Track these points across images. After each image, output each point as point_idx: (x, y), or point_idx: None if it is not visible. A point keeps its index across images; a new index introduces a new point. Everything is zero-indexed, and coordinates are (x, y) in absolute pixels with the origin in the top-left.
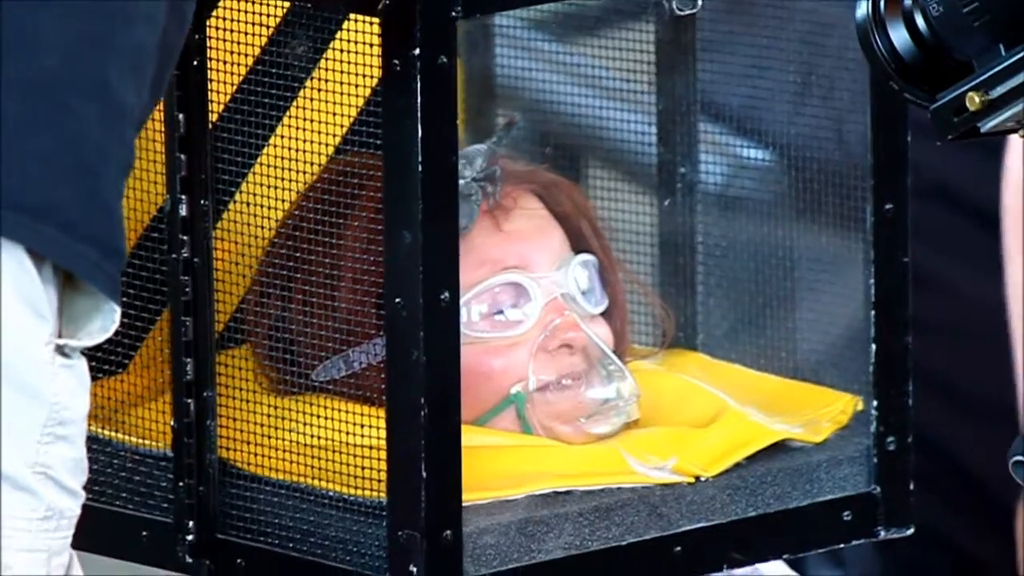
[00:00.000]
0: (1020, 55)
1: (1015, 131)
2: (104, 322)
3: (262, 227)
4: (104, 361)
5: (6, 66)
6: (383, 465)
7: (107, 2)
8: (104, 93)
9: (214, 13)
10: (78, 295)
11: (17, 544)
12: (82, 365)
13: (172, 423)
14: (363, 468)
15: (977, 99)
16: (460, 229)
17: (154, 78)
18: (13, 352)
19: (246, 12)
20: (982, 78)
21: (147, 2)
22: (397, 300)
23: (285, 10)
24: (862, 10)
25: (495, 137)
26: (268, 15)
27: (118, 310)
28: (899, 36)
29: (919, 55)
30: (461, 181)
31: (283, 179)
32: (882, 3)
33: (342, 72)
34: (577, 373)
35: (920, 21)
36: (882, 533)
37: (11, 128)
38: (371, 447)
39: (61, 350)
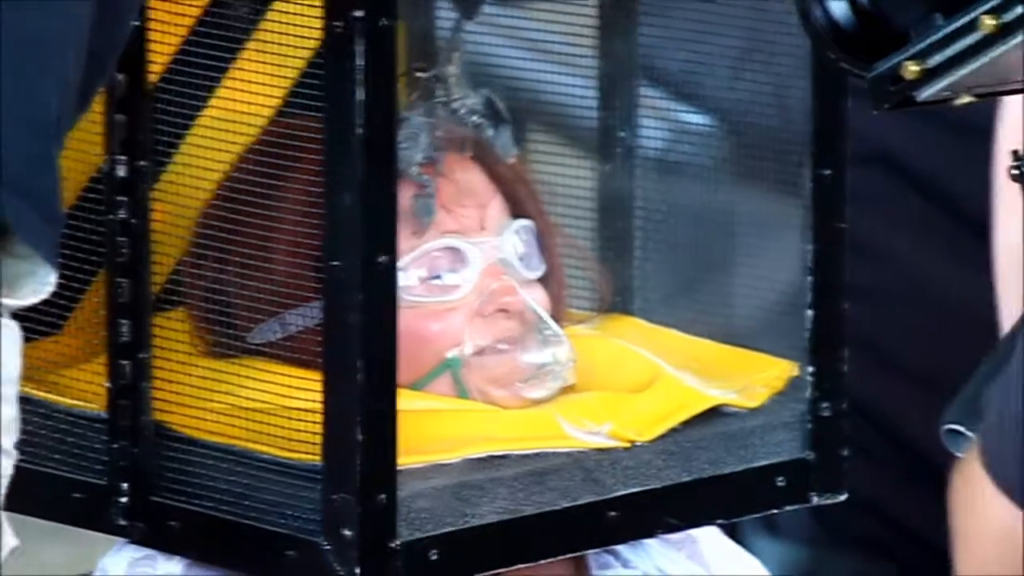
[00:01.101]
0: (957, 24)
1: (951, 100)
2: (38, 284)
3: (200, 189)
4: (39, 322)
5: None
6: (319, 428)
7: None
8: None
9: None
10: (9, 256)
11: None
12: (14, 325)
13: (107, 384)
14: (298, 431)
15: (913, 68)
16: (423, 224)
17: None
18: None
19: None
20: (919, 47)
21: None
22: (335, 263)
23: None
24: None
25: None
26: None
27: (54, 273)
28: (837, 5)
29: (856, 24)
30: (411, 167)
31: (222, 141)
32: None
33: (283, 34)
34: (513, 338)
35: None
36: (815, 499)
37: None
38: (307, 410)
39: None
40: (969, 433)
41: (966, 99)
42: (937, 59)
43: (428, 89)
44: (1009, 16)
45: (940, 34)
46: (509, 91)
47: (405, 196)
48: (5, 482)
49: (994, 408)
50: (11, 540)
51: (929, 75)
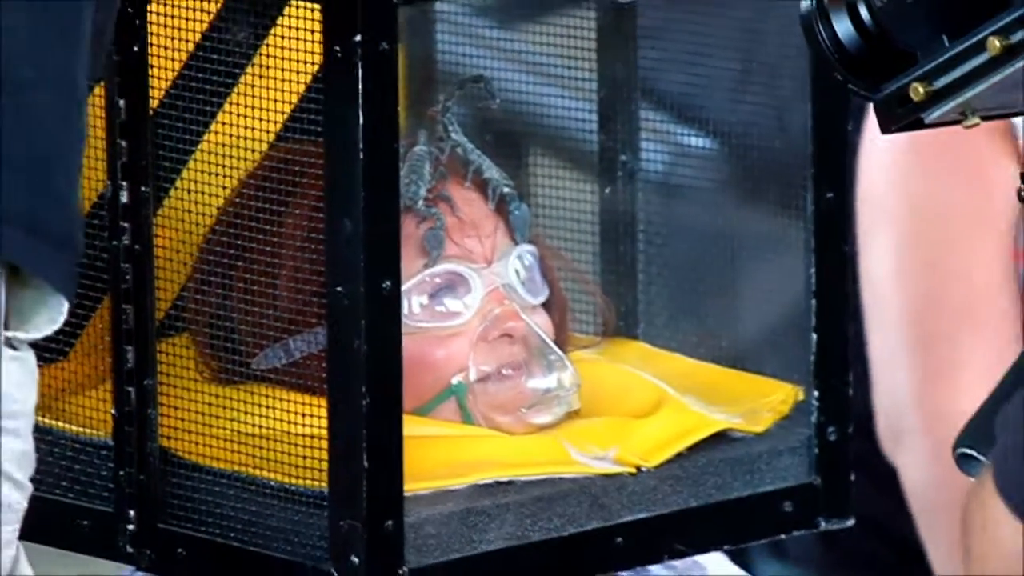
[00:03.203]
0: (964, 46)
1: (958, 122)
2: (52, 314)
3: (203, 214)
4: (44, 348)
5: None
6: (324, 454)
7: None
8: (59, 82)
9: None
10: (25, 287)
11: None
12: (30, 357)
13: (113, 411)
14: (304, 457)
15: (921, 90)
16: (432, 258)
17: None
18: None
19: None
20: (926, 69)
21: None
22: (338, 288)
23: None
24: (806, 0)
25: (450, 96)
26: (209, 0)
27: (66, 302)
28: (843, 26)
29: (863, 45)
30: (417, 199)
31: (224, 166)
32: None
33: (283, 59)
34: (518, 363)
35: (864, 11)
36: (823, 524)
37: None
38: (312, 436)
39: (9, 342)
40: (982, 457)
41: (974, 121)
42: (944, 81)
43: (433, 126)
44: (1016, 38)
45: (947, 55)
46: (511, 114)
47: (412, 227)
48: (21, 515)
49: (1006, 432)
50: (27, 570)
51: (936, 97)
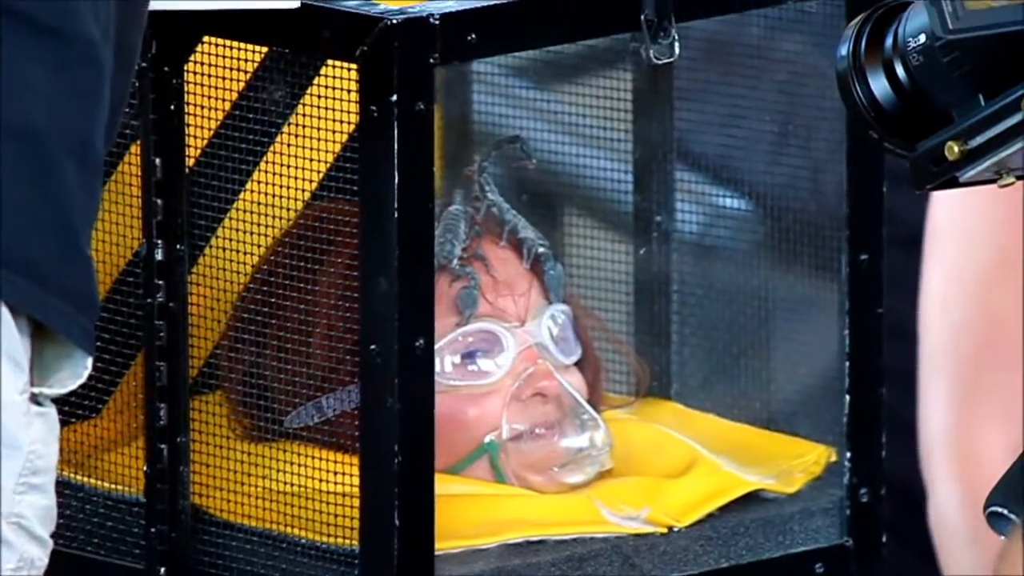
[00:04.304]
0: (999, 105)
1: (993, 181)
2: (75, 369)
3: (237, 272)
4: (77, 405)
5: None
6: (356, 513)
7: (94, 53)
8: (84, 149)
9: (192, 57)
10: (48, 343)
11: None
12: (53, 413)
13: (145, 468)
14: (336, 516)
15: (956, 149)
16: (465, 317)
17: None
18: None
19: (224, 57)
20: (961, 128)
21: (108, 51)
22: (372, 347)
23: (263, 55)
24: (843, 59)
25: (486, 156)
26: (246, 60)
27: (89, 358)
28: (879, 85)
29: (899, 104)
30: (453, 258)
31: (259, 224)
32: (863, 52)
33: (319, 118)
34: (551, 422)
35: (900, 70)
36: None
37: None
38: (344, 494)
39: (35, 398)
40: (1012, 516)
41: (1009, 180)
42: (979, 140)
43: (469, 186)
44: None
45: (983, 115)
46: (547, 174)
47: (446, 286)
48: (42, 571)
49: None
50: None
51: (971, 156)
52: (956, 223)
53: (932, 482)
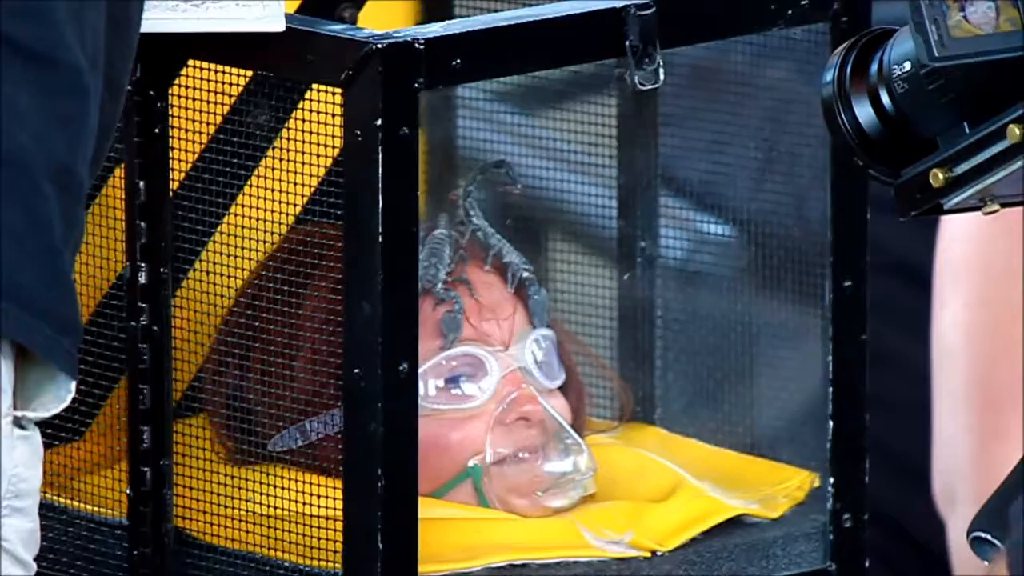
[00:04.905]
0: (984, 133)
1: (978, 208)
2: (59, 392)
3: (221, 295)
4: (61, 428)
5: None
6: (339, 536)
7: (79, 80)
8: (66, 176)
9: (176, 81)
10: (32, 366)
11: None
12: (37, 436)
13: (128, 491)
14: (319, 539)
15: (941, 176)
16: (448, 341)
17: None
18: None
19: (209, 80)
20: (946, 155)
21: (95, 78)
22: (356, 371)
23: (248, 78)
24: (827, 85)
25: (471, 180)
26: (230, 83)
27: (73, 382)
28: (864, 112)
29: (883, 131)
30: (437, 283)
31: (243, 248)
32: (848, 79)
33: (304, 141)
34: (534, 446)
35: (885, 98)
36: None
37: None
38: (328, 518)
39: (18, 421)
40: (996, 542)
41: (993, 207)
42: (964, 167)
43: (454, 210)
44: None
45: (967, 142)
46: (531, 200)
47: (430, 310)
48: None
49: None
50: None
51: (956, 183)
52: (974, 255)
53: (954, 510)
